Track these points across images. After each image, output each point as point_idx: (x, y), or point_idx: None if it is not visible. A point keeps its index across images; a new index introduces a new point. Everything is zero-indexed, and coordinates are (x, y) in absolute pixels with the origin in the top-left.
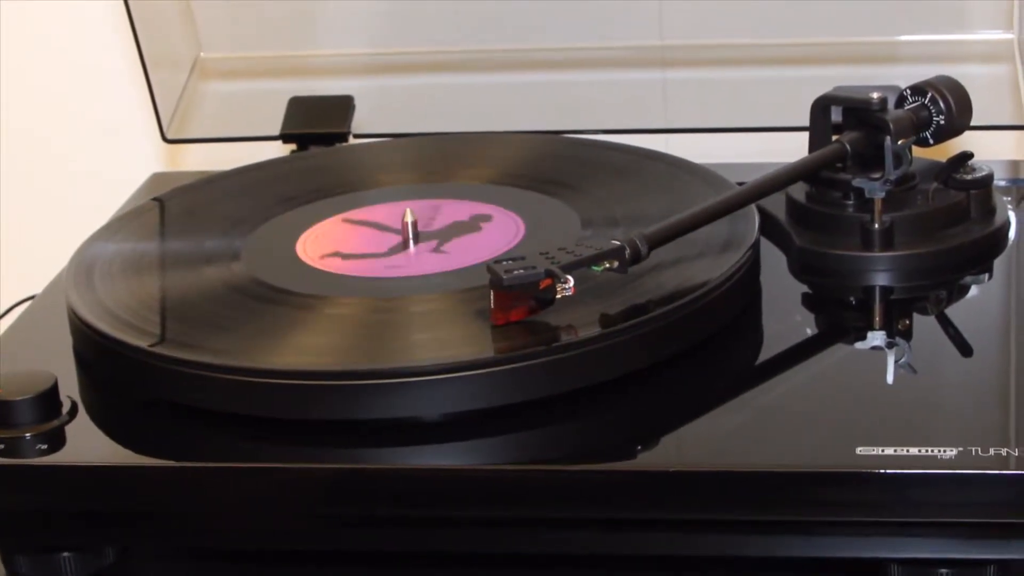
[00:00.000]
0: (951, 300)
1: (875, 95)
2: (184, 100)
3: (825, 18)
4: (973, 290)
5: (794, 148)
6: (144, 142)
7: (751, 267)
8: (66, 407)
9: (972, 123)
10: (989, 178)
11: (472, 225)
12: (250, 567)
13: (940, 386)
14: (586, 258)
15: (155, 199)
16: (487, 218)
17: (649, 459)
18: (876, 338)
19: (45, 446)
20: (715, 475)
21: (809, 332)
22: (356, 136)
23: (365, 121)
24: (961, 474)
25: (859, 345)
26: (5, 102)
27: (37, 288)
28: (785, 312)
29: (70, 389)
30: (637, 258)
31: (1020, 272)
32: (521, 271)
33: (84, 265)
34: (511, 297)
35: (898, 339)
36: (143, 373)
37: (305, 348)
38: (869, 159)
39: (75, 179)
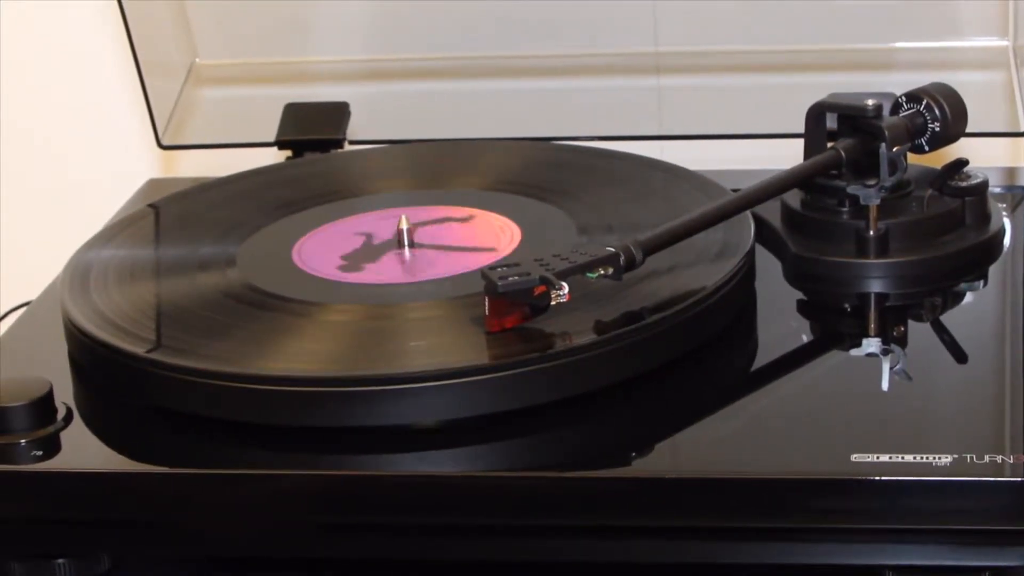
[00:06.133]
0: (946, 307)
1: (870, 102)
2: (180, 106)
3: (820, 25)
4: (968, 297)
5: (789, 155)
6: (140, 148)
7: (746, 274)
8: (61, 413)
9: (967, 130)
10: (984, 185)
11: (467, 232)
12: (245, 574)
13: (935, 393)
14: (581, 265)
15: (150, 205)
16: (482, 225)
17: (644, 466)
18: (871, 345)
19: (40, 452)
20: (710, 482)
21: (804, 339)
22: (352, 143)
23: (361, 128)
24: (956, 481)
25: (854, 352)
26: (0, 107)
27: (32, 294)
28: (780, 319)
29: (65, 395)
30: (632, 265)
31: (1015, 279)
32: (516, 278)
33: (79, 271)
34: (506, 304)
35: (893, 346)
36: (138, 379)
37: (300, 355)
38: (864, 166)
39: (71, 185)
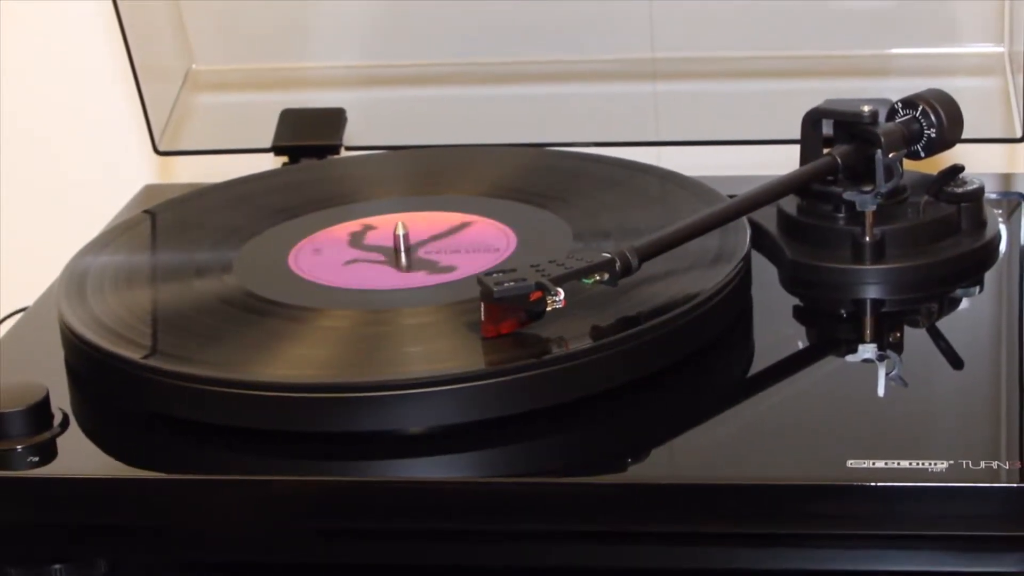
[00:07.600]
0: (942, 313)
1: (866, 108)
2: (176, 112)
3: (816, 31)
4: (964, 303)
5: (785, 161)
6: (136, 154)
7: (742, 280)
8: (57, 419)
9: (963, 136)
10: (980, 191)
11: (463, 238)
12: None
13: (931, 399)
14: (576, 271)
15: (147, 211)
16: (478, 230)
17: (639, 472)
18: (867, 351)
19: (36, 458)
20: (705, 488)
21: (800, 345)
22: (348, 148)
23: (357, 133)
24: (952, 487)
25: (850, 358)
26: None
27: (29, 300)
28: (776, 325)
29: (62, 401)
30: (628, 271)
31: (1010, 285)
32: (511, 284)
33: (76, 277)
34: (501, 310)
35: (889, 352)
36: (134, 385)
37: (296, 360)
38: (860, 172)
39: (67, 191)
